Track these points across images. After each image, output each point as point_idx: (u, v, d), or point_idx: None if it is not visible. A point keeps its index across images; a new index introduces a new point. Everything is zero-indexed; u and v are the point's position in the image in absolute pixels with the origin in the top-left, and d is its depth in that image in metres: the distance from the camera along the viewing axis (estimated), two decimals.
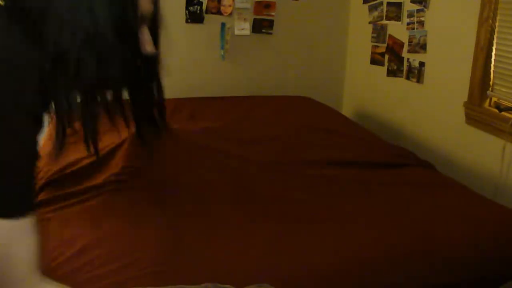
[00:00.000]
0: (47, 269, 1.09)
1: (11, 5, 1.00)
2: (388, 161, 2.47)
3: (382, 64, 3.51)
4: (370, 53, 3.61)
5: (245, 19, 3.58)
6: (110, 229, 1.69)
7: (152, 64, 1.23)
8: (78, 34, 1.01)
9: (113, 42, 1.05)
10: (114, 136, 2.02)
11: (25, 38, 0.99)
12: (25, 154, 0.99)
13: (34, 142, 1.01)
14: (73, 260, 1.53)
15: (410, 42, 3.22)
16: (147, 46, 1.16)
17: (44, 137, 2.33)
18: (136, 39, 1.13)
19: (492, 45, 2.63)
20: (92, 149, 1.17)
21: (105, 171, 2.07)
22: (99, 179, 2.01)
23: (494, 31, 2.62)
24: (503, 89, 2.59)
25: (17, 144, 0.97)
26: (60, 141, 1.10)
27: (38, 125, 1.03)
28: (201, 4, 3.47)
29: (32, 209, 1.00)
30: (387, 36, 3.44)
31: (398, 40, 3.34)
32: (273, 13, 3.64)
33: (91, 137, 1.15)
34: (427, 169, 2.48)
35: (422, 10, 3.12)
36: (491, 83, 2.67)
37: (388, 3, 3.41)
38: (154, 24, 1.20)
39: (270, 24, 3.66)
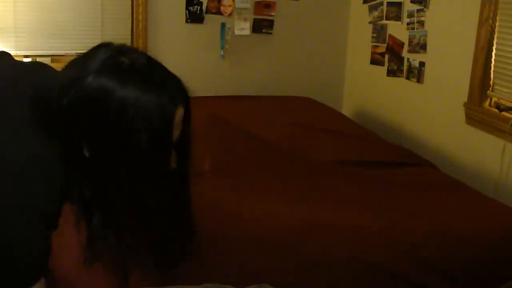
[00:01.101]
0: None
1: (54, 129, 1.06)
2: (391, 160, 2.48)
3: (382, 64, 3.51)
4: (370, 53, 3.60)
5: (245, 19, 3.58)
6: None
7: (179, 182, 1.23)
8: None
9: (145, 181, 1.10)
10: None
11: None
12: (40, 251, 1.09)
13: (48, 242, 1.11)
14: None
15: (410, 42, 3.22)
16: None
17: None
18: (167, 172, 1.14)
19: (492, 45, 2.63)
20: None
21: None
22: None
23: (494, 31, 2.62)
24: (503, 89, 2.59)
25: (32, 244, 1.07)
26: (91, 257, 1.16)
27: (53, 227, 1.12)
28: (201, 4, 3.47)
29: (42, 276, 1.10)
30: (387, 36, 3.44)
31: (398, 40, 3.34)
32: (273, 13, 3.64)
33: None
34: (430, 169, 2.48)
35: (422, 10, 3.12)
36: (491, 83, 2.67)
37: (388, 3, 3.41)
38: (183, 140, 1.19)
39: (270, 24, 3.66)
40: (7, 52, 1.40)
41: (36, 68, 1.30)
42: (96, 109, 1.03)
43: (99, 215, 1.10)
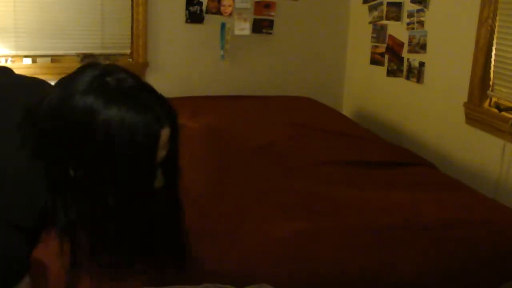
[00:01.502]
0: None
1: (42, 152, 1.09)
2: (391, 160, 2.48)
3: (382, 64, 3.51)
4: (370, 53, 3.61)
5: (245, 19, 3.58)
6: None
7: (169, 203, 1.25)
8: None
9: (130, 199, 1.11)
10: None
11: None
12: (15, 263, 1.14)
13: (24, 254, 1.15)
14: None
15: (410, 42, 3.22)
16: (156, 182, 1.18)
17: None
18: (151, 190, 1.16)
19: (492, 45, 2.63)
20: None
21: None
22: None
23: (494, 31, 2.62)
24: (503, 89, 2.59)
25: (5, 254, 1.11)
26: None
27: (33, 242, 1.17)
28: (201, 4, 3.47)
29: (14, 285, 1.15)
30: (387, 36, 3.44)
31: (398, 40, 3.34)
32: (273, 13, 3.64)
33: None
34: (430, 169, 2.48)
35: (422, 10, 3.12)
36: (491, 83, 2.67)
37: (388, 3, 3.41)
38: (170, 161, 1.20)
39: (270, 24, 3.66)
40: (8, 68, 1.42)
41: (33, 84, 1.30)
42: (81, 128, 1.05)
43: (84, 235, 1.12)
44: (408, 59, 3.26)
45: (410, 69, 3.24)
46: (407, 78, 3.27)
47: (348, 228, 1.80)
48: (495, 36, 2.62)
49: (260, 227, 1.76)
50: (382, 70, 3.50)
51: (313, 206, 1.95)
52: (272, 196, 2.01)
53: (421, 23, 3.13)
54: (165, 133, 1.12)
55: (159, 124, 1.10)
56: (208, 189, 2.02)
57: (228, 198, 1.96)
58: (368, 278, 1.67)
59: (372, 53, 3.59)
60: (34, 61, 3.17)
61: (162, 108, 1.13)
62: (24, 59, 3.15)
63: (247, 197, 1.99)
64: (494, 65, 2.63)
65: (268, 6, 3.61)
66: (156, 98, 1.14)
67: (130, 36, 3.36)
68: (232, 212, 1.85)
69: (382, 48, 3.50)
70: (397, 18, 3.34)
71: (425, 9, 3.09)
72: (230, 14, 3.54)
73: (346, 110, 3.90)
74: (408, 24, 3.24)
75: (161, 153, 1.14)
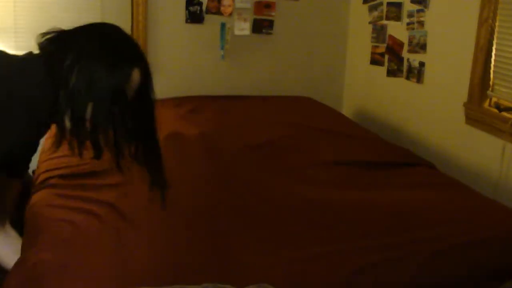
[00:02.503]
0: None
1: (49, 59, 1.45)
2: (391, 160, 2.47)
3: (382, 64, 3.51)
4: (370, 53, 3.61)
5: (245, 19, 3.58)
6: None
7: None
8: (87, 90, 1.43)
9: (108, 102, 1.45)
10: None
11: (52, 83, 1.43)
12: (30, 148, 1.62)
13: (38, 142, 1.63)
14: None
15: (410, 42, 3.22)
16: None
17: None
18: (125, 101, 1.49)
19: (492, 45, 2.63)
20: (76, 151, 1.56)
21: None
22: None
23: (494, 31, 2.62)
24: (503, 89, 2.59)
25: (27, 143, 1.54)
26: (58, 142, 1.55)
27: (45, 130, 1.60)
28: (201, 4, 3.47)
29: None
30: (387, 36, 3.44)
31: (398, 40, 3.34)
32: (273, 13, 3.64)
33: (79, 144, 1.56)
34: (429, 169, 2.48)
35: (422, 10, 3.12)
36: (491, 83, 2.67)
37: (388, 3, 3.41)
38: (145, 90, 1.52)
39: (270, 24, 3.66)
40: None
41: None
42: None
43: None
44: (408, 59, 3.26)
45: (410, 69, 3.24)
46: (407, 78, 3.27)
47: (346, 230, 1.78)
48: (495, 36, 2.62)
49: (255, 257, 1.65)
50: (382, 70, 3.50)
51: (312, 214, 1.91)
52: (269, 203, 1.98)
53: (421, 23, 3.13)
54: (136, 74, 1.44)
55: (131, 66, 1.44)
56: (203, 199, 1.96)
57: (224, 211, 1.90)
58: (367, 278, 1.67)
59: (372, 53, 3.59)
60: None
61: (135, 54, 1.48)
62: None
63: (243, 208, 1.93)
64: (494, 65, 2.64)
65: (268, 6, 3.62)
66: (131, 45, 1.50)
67: None
68: (226, 235, 1.75)
69: (382, 48, 3.50)
70: (397, 18, 3.34)
71: (425, 9, 3.09)
72: (230, 14, 3.54)
73: (346, 110, 3.90)
74: (408, 24, 3.24)
75: (136, 77, 1.45)
